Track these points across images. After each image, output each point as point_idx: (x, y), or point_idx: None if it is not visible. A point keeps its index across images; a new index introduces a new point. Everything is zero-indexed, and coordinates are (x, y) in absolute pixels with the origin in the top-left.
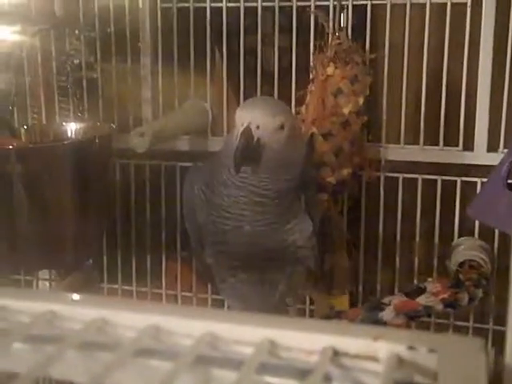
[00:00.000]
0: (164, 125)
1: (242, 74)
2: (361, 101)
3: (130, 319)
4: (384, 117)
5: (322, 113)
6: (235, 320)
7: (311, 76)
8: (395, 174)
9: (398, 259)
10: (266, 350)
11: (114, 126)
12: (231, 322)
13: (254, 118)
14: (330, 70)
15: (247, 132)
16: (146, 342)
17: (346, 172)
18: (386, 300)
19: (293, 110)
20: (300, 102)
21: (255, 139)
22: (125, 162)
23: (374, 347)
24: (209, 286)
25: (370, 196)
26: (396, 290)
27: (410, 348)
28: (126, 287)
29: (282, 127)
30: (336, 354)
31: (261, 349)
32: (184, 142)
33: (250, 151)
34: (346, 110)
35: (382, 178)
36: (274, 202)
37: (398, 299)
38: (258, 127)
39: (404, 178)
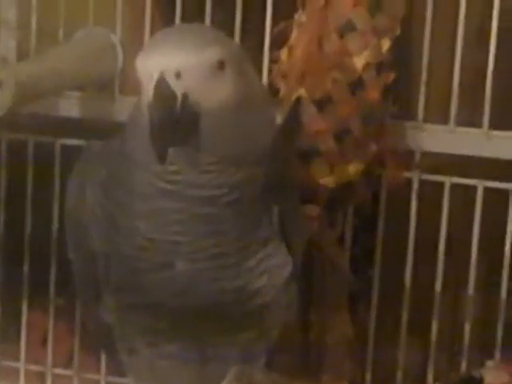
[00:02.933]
0: (37, 70)
1: None
2: (385, 45)
3: None
4: (424, 76)
5: (317, 63)
6: None
7: None
8: (438, 177)
9: (435, 324)
10: None
11: None
12: None
13: (169, 59)
14: None
15: (162, 87)
16: None
17: (353, 170)
18: None
19: (265, 57)
20: (279, 42)
21: (179, 97)
22: None
23: None
24: (103, 358)
25: (393, 213)
26: (430, 380)
27: None
28: None
29: (221, 67)
30: None
31: None
32: (71, 103)
33: (173, 121)
34: (358, 61)
35: (415, 183)
36: (227, 214)
37: None
38: (177, 75)
39: (454, 185)
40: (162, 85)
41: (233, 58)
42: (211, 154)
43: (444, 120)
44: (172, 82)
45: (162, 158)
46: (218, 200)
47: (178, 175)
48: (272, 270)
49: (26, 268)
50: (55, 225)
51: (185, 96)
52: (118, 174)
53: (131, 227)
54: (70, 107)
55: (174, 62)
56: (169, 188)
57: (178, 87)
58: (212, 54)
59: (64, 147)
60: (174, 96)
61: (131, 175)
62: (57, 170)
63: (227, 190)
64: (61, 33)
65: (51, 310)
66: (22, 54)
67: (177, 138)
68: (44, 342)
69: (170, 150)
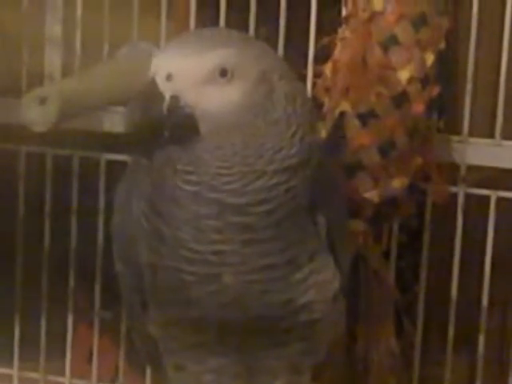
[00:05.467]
0: (82, 86)
1: (223, 2)
2: (430, 59)
3: None
4: (469, 88)
5: (361, 78)
6: None
7: (344, 12)
8: (484, 191)
9: (481, 339)
10: None
11: None
12: None
13: (164, 62)
14: (378, 2)
15: (149, 88)
16: None
17: (398, 183)
18: None
19: (309, 72)
20: (322, 56)
21: (166, 98)
22: (11, 150)
23: None
24: (148, 373)
25: (439, 227)
26: None
27: None
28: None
29: (223, 74)
30: None
31: None
32: (116, 118)
33: (154, 121)
34: (402, 75)
35: (460, 197)
36: (266, 224)
37: None
38: (168, 77)
39: (499, 198)
40: (149, 86)
41: (246, 66)
42: (218, 158)
43: (490, 134)
44: (162, 83)
45: (145, 155)
46: (251, 209)
47: (193, 175)
48: (320, 284)
49: (71, 283)
50: (100, 239)
51: (174, 98)
52: (160, 184)
53: (175, 238)
54: (115, 122)
55: (168, 65)
56: (188, 189)
57: (167, 89)
58: (211, 59)
59: (110, 164)
60: (160, 97)
61: (166, 180)
62: (102, 185)
63: (257, 199)
64: (105, 48)
65: (97, 326)
66: (67, 71)
67: (160, 136)
68: (90, 357)
69: (182, 150)
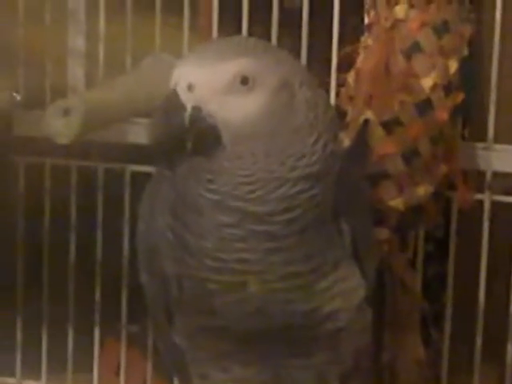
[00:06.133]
0: (105, 97)
1: (245, 12)
2: (453, 66)
3: None
4: (493, 96)
5: (384, 86)
6: None
7: (366, 20)
8: (510, 198)
9: (510, 347)
10: None
11: (18, 97)
12: None
13: (185, 72)
14: (400, 10)
15: (171, 100)
16: None
17: (422, 192)
18: None
19: (332, 80)
20: (345, 65)
21: (188, 109)
22: (34, 162)
23: None
24: None
25: (464, 235)
26: None
27: None
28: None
29: (244, 82)
30: None
31: None
32: (140, 130)
33: (177, 131)
34: (426, 82)
35: (486, 204)
36: (290, 232)
37: None
38: (190, 87)
39: None
40: (171, 97)
41: (266, 74)
42: (239, 167)
43: None
44: (184, 94)
45: (169, 167)
46: (274, 217)
47: (214, 184)
48: (345, 293)
49: (97, 295)
50: (126, 250)
51: (196, 108)
52: (184, 193)
53: (199, 247)
54: (138, 133)
55: (189, 75)
56: (209, 197)
57: (189, 99)
58: (232, 67)
59: (135, 175)
60: (181, 107)
61: (189, 189)
62: (127, 196)
63: (280, 207)
64: (128, 60)
65: (124, 337)
66: (90, 83)
67: (183, 147)
68: (117, 369)
69: (204, 160)
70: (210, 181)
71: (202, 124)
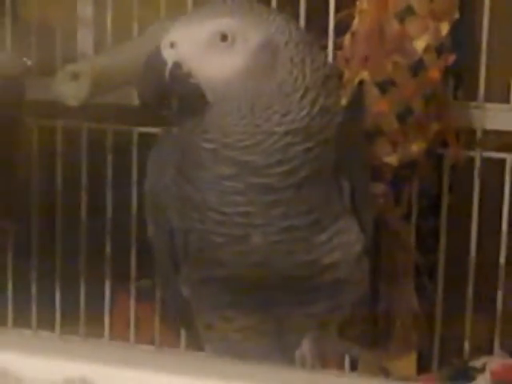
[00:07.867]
0: (112, 62)
1: None
2: (445, 29)
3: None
4: (483, 57)
5: (379, 48)
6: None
7: None
8: (500, 155)
9: (500, 297)
10: None
11: (29, 62)
12: None
13: (171, 31)
14: None
15: (153, 56)
16: None
17: (416, 148)
18: (477, 363)
19: (330, 43)
20: (341, 28)
21: (169, 64)
22: (46, 124)
23: None
24: (183, 334)
25: (456, 190)
26: (496, 348)
27: None
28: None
29: (223, 38)
30: None
31: None
32: None
33: (159, 86)
34: (419, 44)
35: (477, 161)
36: (287, 186)
37: (498, 363)
38: (172, 45)
39: None
40: (153, 53)
41: (247, 32)
42: (228, 122)
43: (505, 99)
44: (166, 51)
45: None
46: (269, 170)
47: (208, 134)
48: (344, 245)
49: (108, 250)
50: (134, 209)
51: (176, 64)
52: (187, 149)
53: (203, 201)
54: None
55: (172, 33)
56: (206, 147)
57: (170, 56)
58: (211, 25)
59: (142, 136)
60: (162, 63)
61: (191, 144)
62: (134, 157)
63: (273, 159)
64: (135, 27)
65: (133, 291)
66: (98, 50)
67: (168, 104)
68: (127, 321)
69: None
70: (204, 131)
71: (183, 82)
